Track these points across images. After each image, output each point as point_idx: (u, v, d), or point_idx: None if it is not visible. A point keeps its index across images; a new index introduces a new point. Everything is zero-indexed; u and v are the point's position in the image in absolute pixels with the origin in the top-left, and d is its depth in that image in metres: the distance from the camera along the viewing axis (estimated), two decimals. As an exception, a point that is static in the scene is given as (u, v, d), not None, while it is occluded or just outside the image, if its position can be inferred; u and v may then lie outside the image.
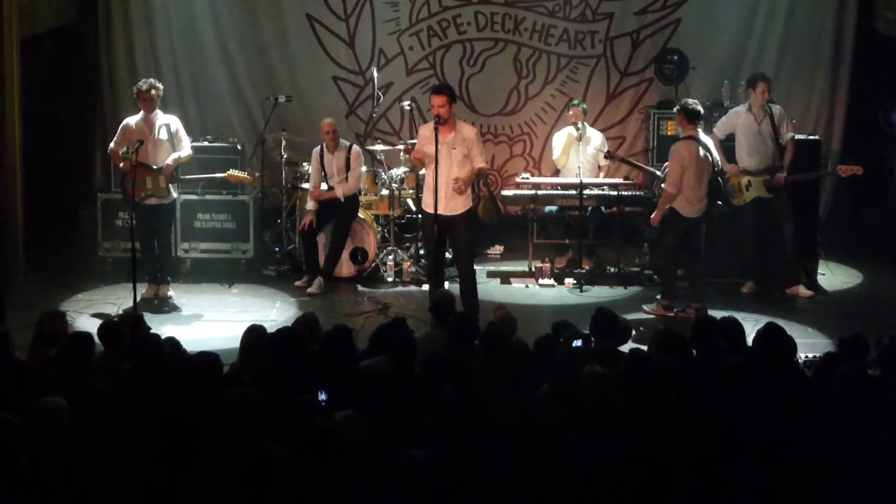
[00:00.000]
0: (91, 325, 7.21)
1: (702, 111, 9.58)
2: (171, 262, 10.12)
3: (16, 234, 10.23)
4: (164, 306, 9.60)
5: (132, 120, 9.59)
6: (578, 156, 10.49)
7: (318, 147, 10.35)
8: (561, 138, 10.85)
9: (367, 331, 7.50)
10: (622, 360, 5.82)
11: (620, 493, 4.64)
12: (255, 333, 6.31)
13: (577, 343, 6.13)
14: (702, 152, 9.31)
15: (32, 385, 5.59)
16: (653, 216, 9.52)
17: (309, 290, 10.08)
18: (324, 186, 10.26)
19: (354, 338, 6.36)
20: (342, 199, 10.25)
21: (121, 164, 9.46)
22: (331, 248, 10.25)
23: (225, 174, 9.88)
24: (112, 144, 9.66)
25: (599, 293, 10.03)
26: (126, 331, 6.38)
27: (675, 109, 9.70)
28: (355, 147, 10.47)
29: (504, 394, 5.43)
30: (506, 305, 8.04)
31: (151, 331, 6.87)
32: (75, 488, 4.68)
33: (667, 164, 9.64)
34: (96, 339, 6.13)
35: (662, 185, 9.61)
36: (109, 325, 6.43)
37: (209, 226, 10.75)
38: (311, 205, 10.31)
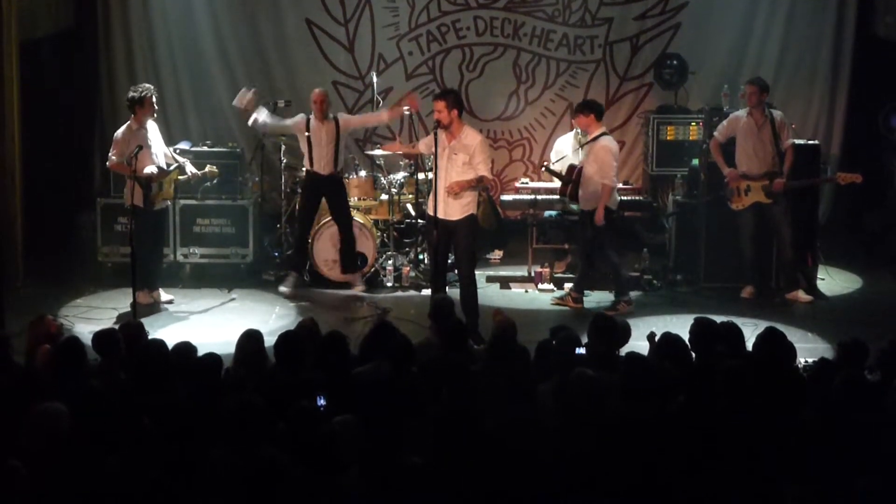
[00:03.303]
0: (90, 330, 7.19)
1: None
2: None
3: (15, 238, 10.22)
4: (163, 311, 9.60)
5: (127, 129, 9.46)
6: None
7: (304, 117, 10.11)
8: (563, 149, 10.84)
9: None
10: (620, 363, 5.81)
11: (618, 496, 4.64)
12: (251, 338, 6.31)
13: (581, 350, 6.14)
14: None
15: (32, 390, 5.57)
16: (597, 215, 9.50)
17: (283, 288, 10.05)
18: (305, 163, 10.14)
19: (349, 344, 6.33)
20: (340, 179, 10.15)
21: (146, 171, 9.29)
22: (344, 244, 10.10)
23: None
24: (115, 157, 9.39)
25: (599, 298, 10.01)
26: (121, 338, 6.37)
27: (577, 111, 9.79)
28: (341, 115, 10.29)
29: (506, 398, 5.42)
30: (504, 310, 8.04)
31: (151, 337, 6.88)
32: (75, 493, 4.67)
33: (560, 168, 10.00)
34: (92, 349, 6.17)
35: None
36: (104, 335, 6.41)
37: (208, 231, 10.75)
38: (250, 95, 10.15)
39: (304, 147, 10.08)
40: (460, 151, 8.58)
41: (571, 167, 9.85)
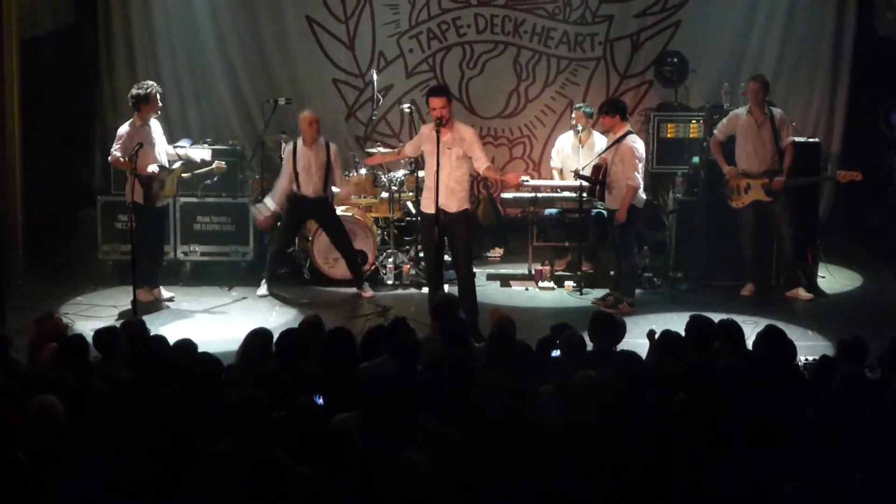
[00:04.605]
0: (90, 328, 7.20)
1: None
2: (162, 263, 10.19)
3: (15, 235, 10.24)
4: (164, 309, 9.60)
5: (130, 125, 9.49)
6: (579, 159, 10.49)
7: (292, 143, 10.05)
8: (563, 147, 10.84)
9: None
10: (611, 362, 5.81)
11: (616, 494, 4.64)
12: (260, 337, 6.30)
13: (556, 353, 6.14)
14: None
15: (31, 386, 5.57)
16: (618, 213, 9.47)
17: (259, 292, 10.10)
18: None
19: (355, 340, 6.34)
20: (328, 200, 10.12)
21: (149, 169, 9.30)
22: (345, 257, 10.07)
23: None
24: (117, 153, 9.40)
25: (602, 294, 10.01)
26: (121, 336, 6.37)
27: (603, 111, 9.67)
28: (332, 144, 10.16)
29: (506, 396, 5.42)
30: (502, 308, 8.03)
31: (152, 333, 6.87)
32: (76, 489, 4.67)
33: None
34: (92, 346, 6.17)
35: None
36: (105, 332, 6.41)
37: (209, 228, 10.76)
38: (271, 205, 10.02)
39: (289, 170, 9.97)
40: (455, 145, 8.55)
41: (597, 167, 9.80)
